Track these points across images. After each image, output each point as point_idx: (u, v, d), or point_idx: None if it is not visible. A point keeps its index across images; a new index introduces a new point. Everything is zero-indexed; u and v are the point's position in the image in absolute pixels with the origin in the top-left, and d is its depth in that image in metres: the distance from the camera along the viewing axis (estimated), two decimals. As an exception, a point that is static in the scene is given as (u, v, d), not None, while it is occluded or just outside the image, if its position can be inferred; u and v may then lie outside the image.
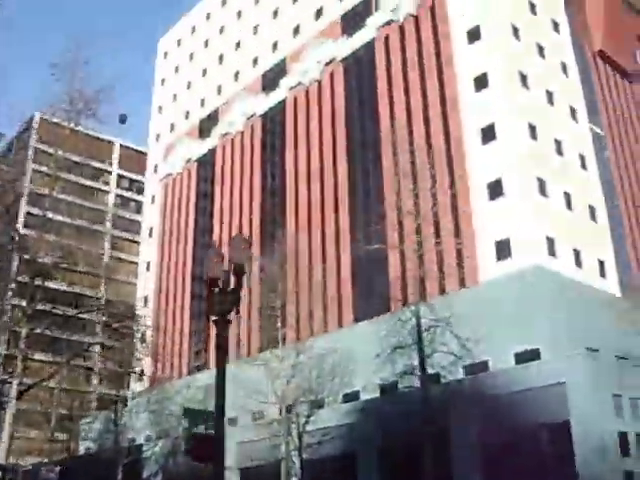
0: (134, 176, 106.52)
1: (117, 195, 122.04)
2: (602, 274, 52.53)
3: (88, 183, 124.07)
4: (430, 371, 41.65)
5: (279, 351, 47.94)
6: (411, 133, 56.60)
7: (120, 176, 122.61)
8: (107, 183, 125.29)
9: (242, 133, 75.21)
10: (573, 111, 58.05)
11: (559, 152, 54.10)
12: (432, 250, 52.35)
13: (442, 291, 50.88)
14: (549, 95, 55.69)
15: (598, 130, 60.76)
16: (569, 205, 52.51)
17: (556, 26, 61.39)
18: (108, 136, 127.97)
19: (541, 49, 57.53)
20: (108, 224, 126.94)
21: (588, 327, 40.90)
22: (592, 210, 54.94)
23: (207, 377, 65.11)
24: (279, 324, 49.50)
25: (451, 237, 51.57)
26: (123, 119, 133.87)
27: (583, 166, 56.35)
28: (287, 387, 45.35)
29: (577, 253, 51.09)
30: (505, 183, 49.62)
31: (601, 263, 53.01)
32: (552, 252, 48.43)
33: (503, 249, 48.32)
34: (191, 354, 72.77)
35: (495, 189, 50.01)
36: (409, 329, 38.76)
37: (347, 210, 60.14)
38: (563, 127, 55.74)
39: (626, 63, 68.02)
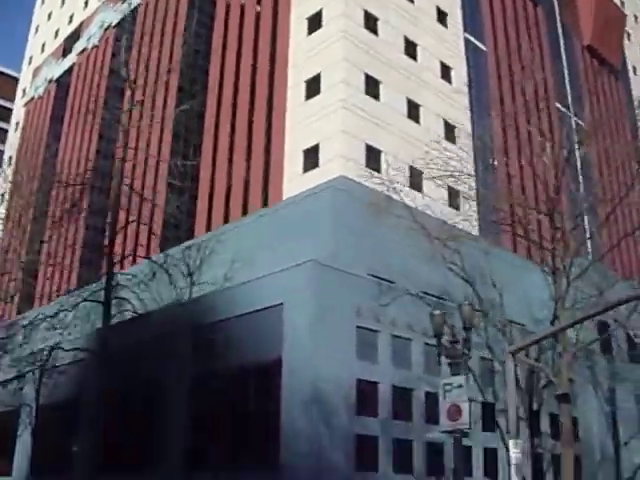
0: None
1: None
2: (452, 204, 42.76)
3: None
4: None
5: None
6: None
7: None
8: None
9: (97, 48, 65.39)
10: (442, 15, 48.23)
11: (410, 55, 44.29)
12: (240, 163, 43.35)
13: (245, 211, 41.50)
14: (407, -11, 45.91)
15: (478, 43, 50.98)
16: (414, 116, 42.77)
17: None
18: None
19: None
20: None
21: (380, 249, 31.27)
22: (450, 129, 45.17)
23: None
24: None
25: (261, 145, 42.11)
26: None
27: (446, 77, 46.53)
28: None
29: (417, 174, 41.34)
30: (324, 79, 39.91)
31: (454, 192, 43.21)
32: (375, 166, 38.68)
33: (311, 158, 38.71)
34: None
35: (312, 86, 40.33)
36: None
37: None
38: (422, 29, 45.94)
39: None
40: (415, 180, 41.06)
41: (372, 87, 40.48)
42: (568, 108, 58.89)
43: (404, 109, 42.27)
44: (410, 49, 44.41)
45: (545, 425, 33.01)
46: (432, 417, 27.28)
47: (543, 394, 33.30)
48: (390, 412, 25.43)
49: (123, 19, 62.51)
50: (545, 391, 33.49)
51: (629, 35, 73.53)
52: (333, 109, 38.46)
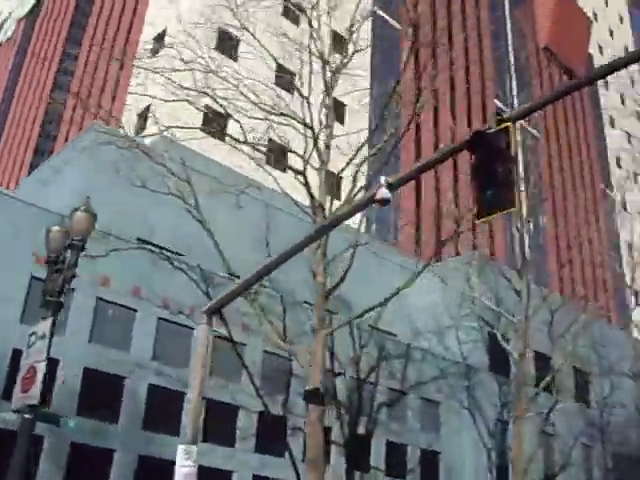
0: None
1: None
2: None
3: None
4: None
5: None
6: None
7: None
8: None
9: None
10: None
11: None
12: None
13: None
14: None
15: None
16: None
17: None
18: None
19: None
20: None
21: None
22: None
23: None
24: None
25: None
26: None
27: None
28: None
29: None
30: None
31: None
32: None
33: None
34: None
35: None
36: None
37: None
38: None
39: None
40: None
41: None
42: (508, 105, 51.87)
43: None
44: None
45: (378, 456, 24.65)
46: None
47: (379, 413, 25.37)
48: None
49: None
50: (383, 410, 25.58)
51: (601, 48, 66.72)
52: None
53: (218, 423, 20.68)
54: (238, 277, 19.58)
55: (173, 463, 13.89)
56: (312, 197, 17.78)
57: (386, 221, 38.30)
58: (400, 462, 25.17)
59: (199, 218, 18.56)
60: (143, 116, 32.27)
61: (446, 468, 26.73)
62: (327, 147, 18.36)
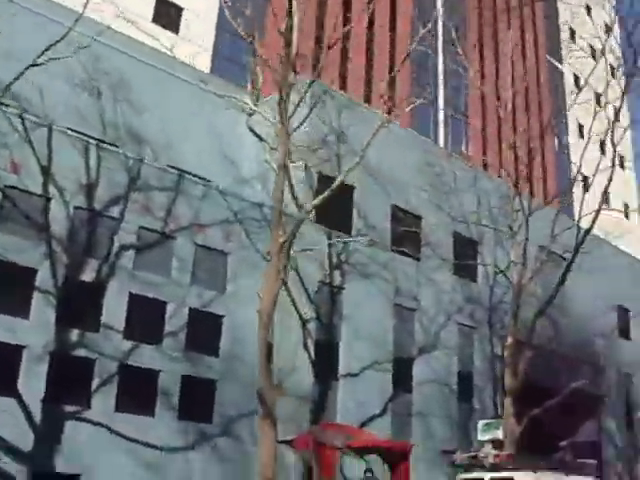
0: None
1: None
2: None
3: None
4: None
5: None
6: None
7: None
8: None
9: None
10: None
11: None
12: None
13: None
14: None
15: None
16: None
17: None
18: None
19: None
20: None
21: None
22: None
23: None
24: None
25: None
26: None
27: None
28: None
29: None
30: None
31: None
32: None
33: None
34: None
35: None
36: None
37: None
38: None
39: None
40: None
41: None
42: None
43: None
44: None
45: (115, 312, 18.40)
46: None
47: (120, 258, 19.23)
48: None
49: None
50: (128, 255, 19.44)
51: None
52: None
53: None
54: None
55: None
56: None
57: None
58: (153, 323, 19.02)
59: None
60: None
61: (233, 337, 20.46)
62: None
